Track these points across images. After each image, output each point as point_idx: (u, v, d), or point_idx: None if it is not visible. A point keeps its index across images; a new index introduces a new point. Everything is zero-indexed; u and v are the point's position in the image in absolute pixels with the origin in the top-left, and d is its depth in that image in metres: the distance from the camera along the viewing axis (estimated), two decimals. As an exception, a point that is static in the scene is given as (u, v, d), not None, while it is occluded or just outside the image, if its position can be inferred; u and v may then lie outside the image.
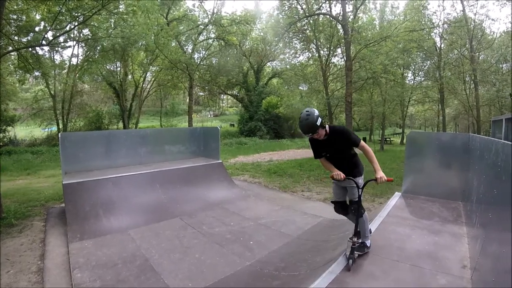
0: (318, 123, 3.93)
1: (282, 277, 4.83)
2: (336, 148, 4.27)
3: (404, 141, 30.38)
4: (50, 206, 9.69)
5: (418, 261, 4.03)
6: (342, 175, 4.06)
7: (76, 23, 12.55)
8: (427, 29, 24.86)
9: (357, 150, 4.34)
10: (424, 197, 6.75)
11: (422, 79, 31.68)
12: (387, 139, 35.45)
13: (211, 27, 29.45)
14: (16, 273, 5.56)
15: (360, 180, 4.28)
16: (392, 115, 30.67)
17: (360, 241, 4.20)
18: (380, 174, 4.04)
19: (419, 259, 4.09)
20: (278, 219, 7.92)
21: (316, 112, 3.95)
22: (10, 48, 15.06)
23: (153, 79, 32.77)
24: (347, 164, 4.28)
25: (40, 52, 23.29)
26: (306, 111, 4.01)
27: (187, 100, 34.70)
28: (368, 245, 4.32)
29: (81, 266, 5.54)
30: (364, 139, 33.88)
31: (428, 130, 43.05)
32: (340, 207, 4.56)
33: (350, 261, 3.93)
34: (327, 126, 4.15)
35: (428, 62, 29.71)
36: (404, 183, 7.25)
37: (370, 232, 4.52)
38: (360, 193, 4.16)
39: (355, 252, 4.05)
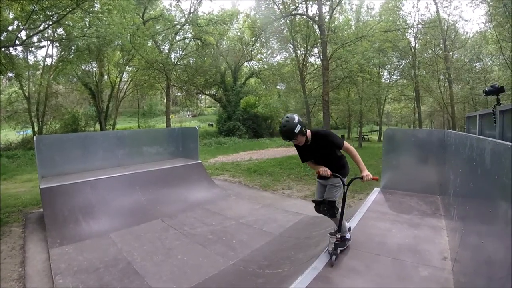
0: (297, 130, 3.94)
1: (266, 275, 4.85)
2: (322, 153, 4.33)
3: (382, 138, 30.94)
4: (28, 212, 9.47)
5: (399, 255, 4.11)
6: (329, 171, 4.13)
7: (50, 22, 12.25)
8: (401, 30, 25.37)
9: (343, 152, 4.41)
10: (402, 192, 6.89)
11: (398, 77, 32.35)
12: (364, 137, 35.98)
13: (187, 26, 29.22)
14: (-4, 281, 5.43)
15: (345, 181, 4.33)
16: (369, 113, 31.27)
17: (340, 236, 4.19)
18: (366, 172, 4.19)
19: (400, 252, 4.18)
20: (259, 217, 7.94)
21: (296, 119, 3.95)
22: (-18, 48, 14.61)
23: (129, 79, 32.26)
24: (334, 166, 4.32)
25: (14, 52, 22.60)
26: (286, 117, 3.99)
27: (165, 101, 34.39)
28: (348, 237, 4.40)
29: (62, 272, 5.44)
30: (343, 137, 34.25)
31: (405, 127, 43.93)
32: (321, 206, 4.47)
33: (334, 256, 3.99)
34: (308, 131, 4.17)
35: (403, 61, 30.34)
36: (382, 178, 7.38)
37: (349, 230, 4.57)
38: (345, 190, 4.27)
39: (338, 248, 4.11)
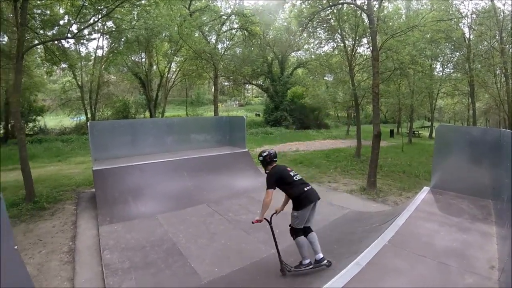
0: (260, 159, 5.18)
1: (307, 266, 4.87)
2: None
3: (433, 134, 29.72)
4: (81, 191, 10.04)
5: (445, 258, 3.96)
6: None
7: (100, 16, 12.63)
8: (455, 19, 24.02)
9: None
10: (453, 193, 6.57)
11: (451, 71, 30.74)
12: (415, 132, 34.65)
13: (233, 17, 29.34)
14: (48, 253, 5.82)
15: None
16: (421, 107, 29.92)
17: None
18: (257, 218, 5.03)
19: (446, 256, 4.03)
20: (303, 209, 7.95)
21: (262, 155, 5.13)
22: (36, 42, 15.37)
23: (177, 69, 32.88)
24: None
25: (66, 45, 23.74)
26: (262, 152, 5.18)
27: (212, 90, 34.77)
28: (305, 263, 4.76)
29: (110, 248, 5.75)
30: (392, 132, 33.36)
31: (457, 124, 41.92)
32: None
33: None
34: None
35: (457, 53, 28.75)
36: (432, 178, 7.07)
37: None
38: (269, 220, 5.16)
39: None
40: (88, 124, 9.80)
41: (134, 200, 8.14)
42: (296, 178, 4.93)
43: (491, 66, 25.82)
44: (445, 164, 6.91)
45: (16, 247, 2.44)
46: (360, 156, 17.27)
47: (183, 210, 7.88)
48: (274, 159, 5.09)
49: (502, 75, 26.52)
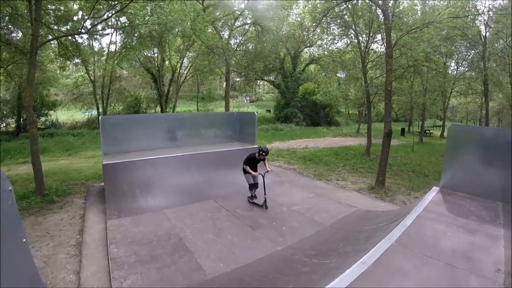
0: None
1: (312, 264, 4.88)
2: (258, 162, 8.48)
3: (445, 134, 29.32)
4: (90, 185, 10.15)
5: (452, 260, 3.91)
6: (257, 173, 8.31)
7: (114, 12, 12.68)
8: (471, 16, 23.59)
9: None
10: (462, 194, 6.48)
11: (466, 69, 30.24)
12: (426, 131, 34.15)
13: (247, 12, 29.24)
14: (55, 246, 5.90)
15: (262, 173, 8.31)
16: (433, 106, 29.49)
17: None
18: (268, 168, 8.42)
19: (453, 257, 3.98)
20: (311, 206, 7.95)
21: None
22: (50, 37, 15.51)
23: (189, 64, 32.81)
24: (255, 168, 8.43)
25: (80, 40, 23.97)
26: (265, 147, 8.36)
27: (224, 86, 34.78)
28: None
29: (117, 242, 5.81)
30: (403, 130, 33.07)
31: (470, 124, 41.33)
32: (255, 185, 8.49)
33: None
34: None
35: (472, 51, 28.29)
36: (442, 177, 6.96)
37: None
38: (263, 175, 8.20)
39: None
40: (100, 118, 9.88)
41: (142, 194, 8.22)
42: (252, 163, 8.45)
43: (507, 65, 25.33)
44: (456, 164, 6.79)
45: (24, 240, 2.47)
46: (369, 155, 17.16)
47: (191, 205, 7.93)
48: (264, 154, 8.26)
49: (517, 75, 26.00)
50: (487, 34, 26.27)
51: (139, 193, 8.24)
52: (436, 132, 39.69)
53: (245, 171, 8.39)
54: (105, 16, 14.42)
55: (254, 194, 8.49)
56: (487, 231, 4.81)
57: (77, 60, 25.46)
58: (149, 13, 18.95)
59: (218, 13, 27.59)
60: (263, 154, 8.19)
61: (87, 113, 29.59)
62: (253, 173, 8.22)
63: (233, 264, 5.15)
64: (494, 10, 24.73)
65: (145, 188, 8.47)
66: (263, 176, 8.20)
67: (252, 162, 8.40)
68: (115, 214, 7.13)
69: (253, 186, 8.48)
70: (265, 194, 8.03)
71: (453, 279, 3.54)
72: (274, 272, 4.89)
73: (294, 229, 6.69)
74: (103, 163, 8.59)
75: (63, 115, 29.72)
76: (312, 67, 39.53)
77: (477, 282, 3.49)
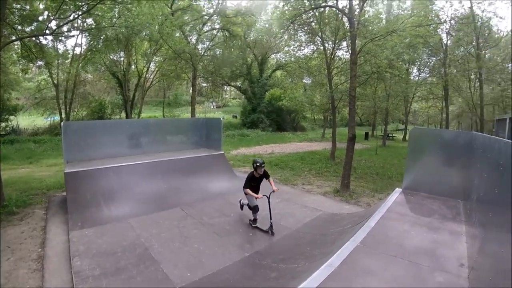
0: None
1: (280, 269, 4.87)
2: (260, 180, 7.29)
3: (407, 137, 30.26)
4: (52, 195, 9.73)
5: (416, 258, 4.02)
6: (261, 195, 6.97)
7: (80, 13, 12.33)
8: (434, 25, 24.56)
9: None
10: (424, 194, 6.70)
11: (427, 75, 31.42)
12: (389, 135, 35.29)
13: (215, 17, 29.20)
14: (16, 260, 5.60)
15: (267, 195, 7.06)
16: (396, 110, 30.53)
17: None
18: (275, 188, 7.13)
19: (417, 255, 4.09)
20: (277, 211, 7.93)
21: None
22: (14, 38, 14.91)
23: (156, 69, 32.46)
24: (259, 189, 7.25)
25: (44, 42, 23.10)
26: (261, 160, 7.22)
27: (190, 91, 34.50)
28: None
29: (81, 254, 5.59)
30: (367, 134, 33.92)
31: (431, 127, 42.87)
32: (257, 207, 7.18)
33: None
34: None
35: (434, 58, 29.44)
36: (405, 179, 7.20)
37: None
38: (268, 196, 6.99)
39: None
40: (62, 124, 9.53)
41: (106, 204, 7.95)
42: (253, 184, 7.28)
43: (466, 71, 26.56)
44: (418, 166, 7.03)
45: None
46: (334, 159, 17.44)
47: (156, 213, 7.74)
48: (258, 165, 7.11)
49: (476, 80, 27.28)
50: (449, 42, 27.43)
51: (103, 202, 7.98)
52: (399, 135, 40.98)
53: (246, 194, 7.27)
54: (71, 17, 13.99)
55: (256, 217, 7.25)
56: (449, 228, 4.99)
57: (40, 63, 24.51)
58: (116, 16, 18.56)
59: (186, 17, 27.40)
60: (259, 165, 7.05)
61: (49, 119, 28.33)
62: (257, 196, 6.94)
63: (201, 272, 5.06)
64: (456, 19, 25.82)
65: (109, 197, 8.20)
66: (268, 198, 6.97)
67: (253, 182, 7.20)
68: (78, 225, 6.86)
69: (256, 209, 7.25)
70: (271, 218, 6.86)
71: (418, 276, 3.63)
72: (243, 279, 4.85)
73: (261, 234, 6.68)
74: (65, 171, 8.27)
75: (24, 121, 28.38)
76: (278, 73, 39.88)
77: (442, 277, 3.60)
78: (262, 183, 7.35)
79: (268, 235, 6.60)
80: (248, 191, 7.03)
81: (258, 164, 7.02)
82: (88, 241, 6.12)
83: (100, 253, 5.64)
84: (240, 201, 7.90)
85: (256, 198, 6.92)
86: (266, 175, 7.27)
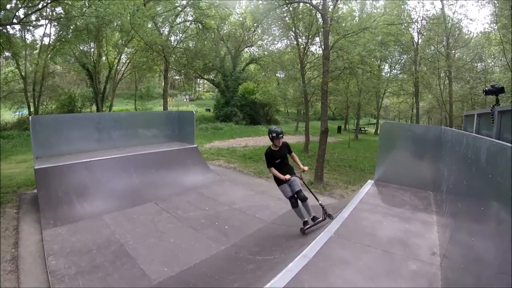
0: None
1: (257, 261, 4.90)
2: (284, 156, 5.99)
3: (378, 131, 30.98)
4: (22, 192, 9.41)
5: (389, 247, 4.14)
6: (288, 176, 5.70)
7: (49, 1, 11.93)
8: (405, 24, 25.15)
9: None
10: (396, 185, 6.90)
11: (398, 72, 32.22)
12: (361, 129, 36.23)
13: (189, 9, 28.86)
14: (-10, 263, 5.42)
15: (298, 175, 5.97)
16: (368, 105, 31.27)
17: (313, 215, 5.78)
18: (304, 167, 6.05)
19: (390, 245, 4.21)
20: (253, 204, 7.99)
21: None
22: (-21, 27, 14.28)
23: (128, 61, 31.78)
24: (288, 168, 5.96)
25: (11, 31, 21.97)
26: (278, 127, 6.09)
27: (163, 84, 34.02)
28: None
29: (55, 253, 5.46)
30: (339, 128, 34.49)
31: (402, 122, 43.97)
32: (296, 200, 5.79)
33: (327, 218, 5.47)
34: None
35: (405, 56, 30.19)
36: (376, 171, 7.37)
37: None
38: (300, 177, 5.93)
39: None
40: (30, 119, 9.21)
41: (79, 201, 7.77)
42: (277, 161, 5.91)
43: (436, 69, 27.40)
44: (389, 159, 7.22)
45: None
46: (308, 151, 17.69)
47: (131, 209, 7.63)
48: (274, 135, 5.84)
49: (446, 78, 28.13)
50: (420, 41, 28.17)
51: (76, 199, 7.78)
52: (371, 129, 41.89)
53: (276, 181, 5.97)
54: (40, 5, 13.49)
55: (305, 219, 5.87)
56: (421, 219, 5.16)
57: (7, 54, 23.43)
58: (86, 4, 18.02)
59: (159, 8, 26.88)
60: (275, 135, 5.78)
61: (17, 113, 27.29)
62: (283, 177, 5.66)
63: (178, 267, 5.04)
64: (427, 19, 26.54)
65: (82, 193, 7.99)
66: (301, 178, 5.93)
67: (274, 158, 5.89)
68: (51, 223, 6.67)
69: (295, 201, 5.80)
70: (318, 200, 5.77)
71: (392, 265, 3.73)
72: (219, 272, 4.86)
73: (237, 227, 6.70)
74: (35, 167, 8.00)
75: (-10, 115, 27.32)
76: (252, 66, 39.86)
77: (415, 266, 3.71)
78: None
79: (245, 227, 6.58)
80: (273, 170, 5.82)
81: (274, 134, 5.78)
82: (62, 240, 5.97)
83: (75, 252, 5.52)
84: (300, 229, 5.90)
85: (284, 179, 5.67)
86: (288, 149, 6.13)
